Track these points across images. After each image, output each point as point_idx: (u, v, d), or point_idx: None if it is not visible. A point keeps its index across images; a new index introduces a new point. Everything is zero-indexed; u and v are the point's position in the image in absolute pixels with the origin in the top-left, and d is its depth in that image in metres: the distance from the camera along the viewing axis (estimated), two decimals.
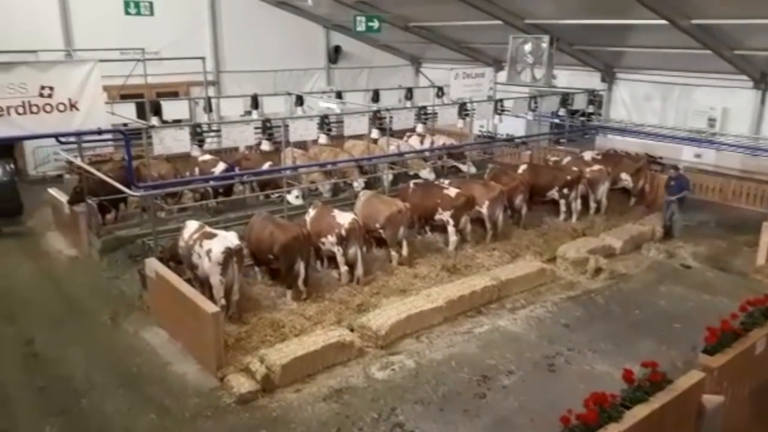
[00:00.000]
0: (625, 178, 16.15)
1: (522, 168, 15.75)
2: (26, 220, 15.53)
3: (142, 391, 8.57)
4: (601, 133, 19.98)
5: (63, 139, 12.25)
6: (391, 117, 14.89)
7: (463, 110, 16.19)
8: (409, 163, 17.38)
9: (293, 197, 14.31)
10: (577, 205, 15.03)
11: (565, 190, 14.92)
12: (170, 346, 9.66)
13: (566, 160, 16.80)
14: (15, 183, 15.35)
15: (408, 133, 19.01)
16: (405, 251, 12.25)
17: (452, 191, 13.26)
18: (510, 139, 19.86)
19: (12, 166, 15.53)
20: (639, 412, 5.88)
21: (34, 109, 10.10)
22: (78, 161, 13.40)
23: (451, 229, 13.01)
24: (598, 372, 9.12)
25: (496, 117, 17.02)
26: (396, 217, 12.10)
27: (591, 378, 8.82)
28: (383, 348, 9.63)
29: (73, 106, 10.51)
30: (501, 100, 17.14)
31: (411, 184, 14.18)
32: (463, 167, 17.85)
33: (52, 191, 14.83)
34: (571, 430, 5.64)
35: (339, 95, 19.36)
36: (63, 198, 13.89)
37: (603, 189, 15.40)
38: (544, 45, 17.93)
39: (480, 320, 10.69)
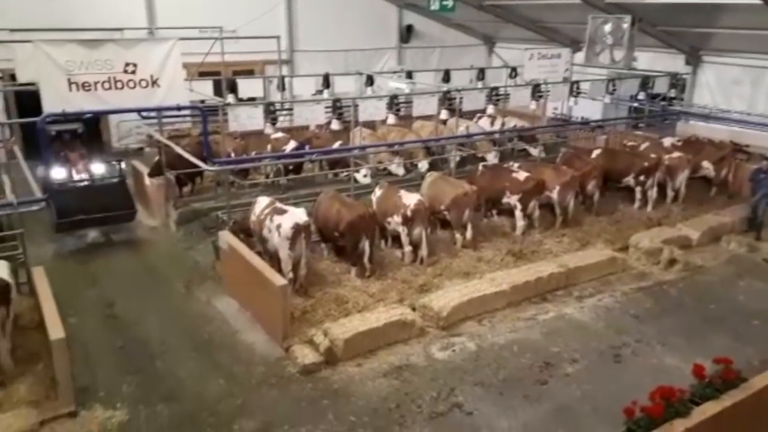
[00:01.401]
0: (707, 167, 15.34)
1: (596, 153, 15.26)
2: None
3: (212, 356, 8.97)
4: (683, 118, 18.99)
5: (144, 114, 12.85)
6: (461, 97, 14.72)
7: (537, 92, 15.79)
8: (478, 145, 17.16)
9: (362, 176, 14.44)
10: (653, 193, 14.44)
11: (642, 177, 14.35)
12: (240, 315, 10.03)
13: (644, 145, 16.12)
14: (126, 185, 13.36)
15: (478, 114, 18.76)
16: (470, 234, 12.17)
17: (522, 175, 13.02)
18: (585, 123, 19.24)
19: (123, 165, 13.71)
20: (708, 409, 5.68)
21: (119, 84, 10.61)
22: (158, 135, 13.99)
23: (518, 213, 12.81)
24: (666, 365, 8.83)
25: (572, 99, 16.55)
26: (462, 199, 12.02)
27: (658, 371, 8.55)
28: (444, 329, 9.66)
29: (154, 82, 10.97)
30: (577, 82, 16.61)
31: (479, 166, 14.02)
32: (534, 150, 17.46)
33: (135, 163, 15.55)
34: (635, 422, 5.52)
35: (409, 75, 19.30)
36: (144, 170, 14.55)
37: (682, 177, 14.70)
38: (626, 25, 17.16)
39: (545, 307, 10.53)
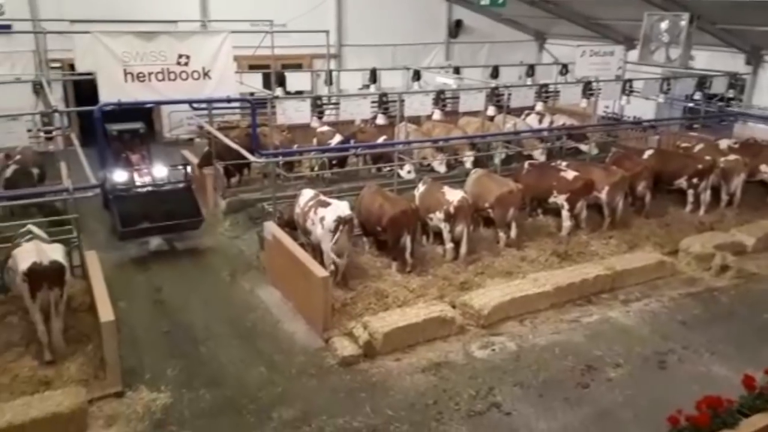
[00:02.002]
0: (765, 171, 14.73)
1: (648, 153, 14.83)
2: None
3: (254, 344, 9.13)
4: (740, 120, 18.27)
5: (195, 105, 13.15)
6: (509, 94, 14.53)
7: (588, 89, 15.46)
8: (525, 143, 16.91)
9: (405, 172, 14.43)
10: (706, 196, 13.94)
11: (695, 180, 13.88)
12: (282, 305, 10.18)
13: (698, 147, 15.58)
14: (192, 191, 12.52)
15: (526, 111, 18.49)
16: (514, 233, 12.01)
17: (570, 174, 12.77)
18: (637, 122, 18.74)
19: (189, 169, 12.95)
20: (758, 421, 5.48)
21: (172, 76, 10.87)
22: (208, 126, 14.29)
23: (565, 213, 12.57)
24: (714, 374, 8.54)
25: (624, 98, 16.12)
26: (506, 197, 11.87)
27: (705, 380, 8.29)
28: (485, 328, 9.57)
29: (206, 74, 11.21)
30: (630, 81, 16.17)
31: (526, 164, 13.82)
32: (584, 149, 17.12)
33: (185, 153, 15.92)
34: (680, 431, 5.35)
35: (457, 70, 19.16)
36: (194, 160, 14.89)
37: (738, 181, 14.15)
38: (683, 23, 16.59)
39: (589, 309, 10.32)
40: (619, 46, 17.59)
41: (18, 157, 13.06)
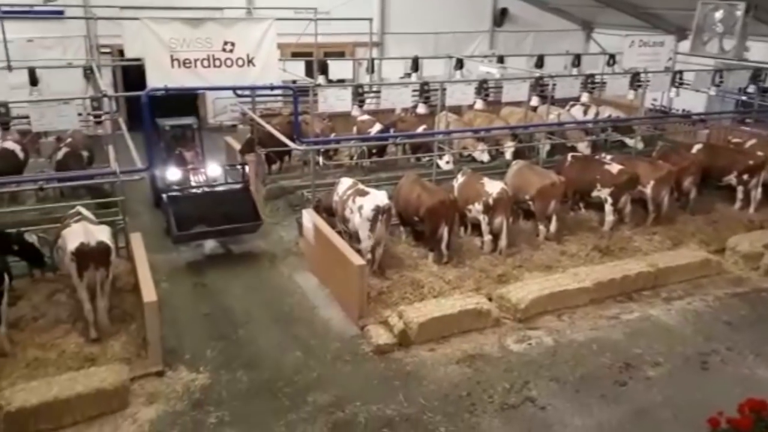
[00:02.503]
0: None
1: (697, 148, 14.37)
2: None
3: (291, 329, 9.27)
4: None
5: (239, 92, 13.29)
6: (554, 84, 14.25)
7: (636, 81, 15.03)
8: (569, 135, 16.59)
9: (444, 162, 14.34)
10: (757, 193, 13.44)
11: (746, 176, 13.39)
12: (319, 291, 10.30)
13: (750, 142, 15.03)
14: (251, 192, 11.90)
15: (571, 102, 18.12)
16: (554, 226, 11.83)
17: (614, 167, 12.48)
18: (686, 116, 18.14)
19: (247, 169, 12.27)
20: None
21: (217, 62, 10.99)
22: (251, 113, 14.47)
23: (608, 207, 12.30)
24: (758, 377, 8.29)
25: (673, 90, 15.62)
26: (548, 189, 11.69)
27: (749, 382, 8.04)
28: (521, 321, 9.49)
29: (250, 61, 11.29)
30: (680, 72, 15.66)
31: (569, 156, 13.57)
32: (629, 142, 16.68)
33: (228, 139, 16.16)
34: None
35: (501, 60, 18.88)
36: (236, 146, 15.10)
37: None
38: (739, 13, 15.91)
39: (629, 306, 10.11)
40: (670, 36, 17.01)
41: (69, 140, 13.48)
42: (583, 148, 16.11)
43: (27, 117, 10.66)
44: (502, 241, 11.12)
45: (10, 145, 13.04)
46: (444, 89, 13.07)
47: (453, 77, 16.81)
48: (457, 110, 16.90)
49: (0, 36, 13.49)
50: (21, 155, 13.19)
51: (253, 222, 11.45)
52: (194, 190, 11.74)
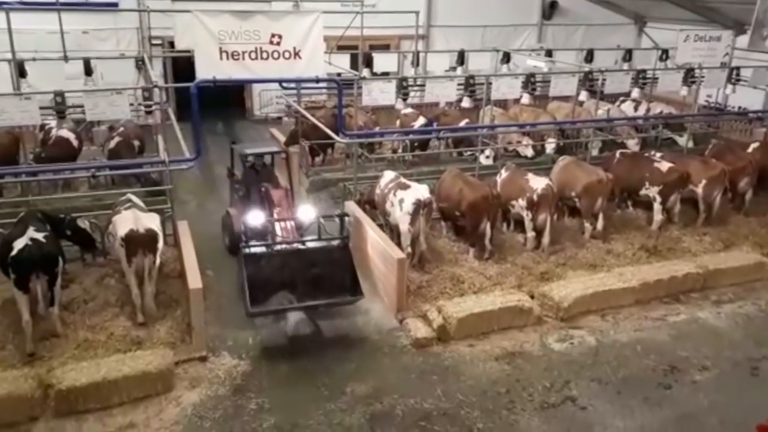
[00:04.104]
0: None
1: (753, 147, 13.83)
2: None
3: (331, 320, 9.31)
4: None
5: (285, 85, 13.45)
6: (604, 79, 13.93)
7: (690, 77, 14.55)
8: (618, 131, 16.18)
9: (483, 157, 14.18)
10: None
11: None
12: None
13: None
14: (350, 252, 9.16)
15: (621, 98, 17.67)
16: (600, 224, 11.58)
17: (664, 165, 12.12)
18: (743, 113, 17.46)
19: (349, 218, 9.73)
20: None
21: (264, 55, 11.11)
22: (296, 106, 14.61)
23: (657, 206, 11.96)
24: None
25: (729, 87, 15.06)
26: (595, 186, 11.44)
27: None
28: (563, 320, 9.35)
29: (296, 54, 11.38)
30: (737, 68, 15.08)
31: (617, 153, 13.25)
32: (681, 140, 16.17)
33: (273, 131, 16.39)
34: None
35: (549, 53, 18.54)
36: (281, 138, 15.29)
37: None
38: None
39: (676, 308, 9.84)
40: (727, 31, 16.37)
41: (121, 129, 13.87)
42: (633, 145, 15.69)
43: (81, 106, 11.01)
44: (546, 238, 10.95)
45: (65, 133, 13.50)
46: (490, 83, 12.92)
47: (499, 71, 16.62)
48: (502, 104, 16.69)
49: (57, 27, 13.92)
50: (75, 143, 13.63)
51: (350, 296, 8.90)
52: (280, 247, 8.96)
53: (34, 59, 13.67)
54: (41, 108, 10.65)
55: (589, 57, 17.89)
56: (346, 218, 9.23)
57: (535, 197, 10.86)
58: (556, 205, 11.19)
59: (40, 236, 8.18)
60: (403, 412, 7.45)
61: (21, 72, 13.14)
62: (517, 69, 16.76)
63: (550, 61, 17.33)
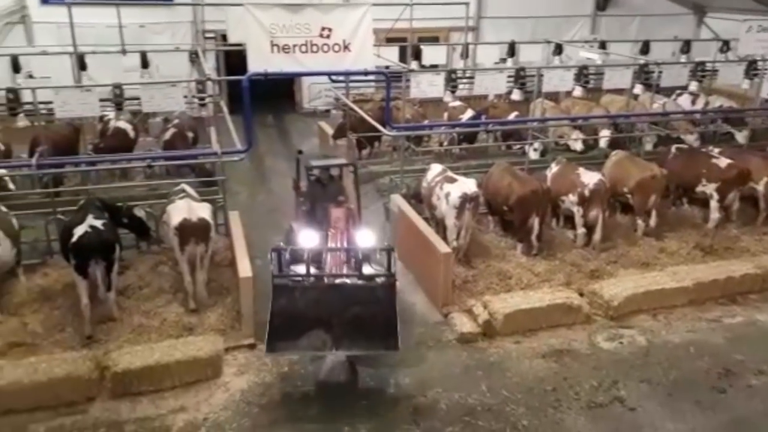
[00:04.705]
0: None
1: None
2: (297, 146, 17.60)
3: None
4: None
5: (334, 78, 13.52)
6: (660, 72, 13.49)
7: (752, 69, 13.96)
8: (675, 125, 15.67)
9: (531, 150, 13.95)
10: None
11: None
12: (403, 276, 10.29)
13: None
14: (394, 293, 7.74)
15: (678, 91, 17.09)
16: (653, 221, 11.26)
17: (723, 161, 11.67)
18: None
19: (393, 257, 7.86)
20: None
21: (314, 48, 11.22)
22: (344, 99, 14.69)
23: (714, 204, 11.54)
24: None
25: None
26: (649, 182, 11.12)
27: None
28: (613, 319, 9.16)
29: (346, 47, 11.45)
30: None
31: (673, 148, 12.83)
32: (738, 136, 15.53)
33: (322, 124, 16.53)
34: None
35: (603, 45, 18.08)
36: (329, 131, 15.41)
37: None
38: None
39: (733, 310, 9.51)
40: None
41: (176, 121, 14.22)
42: (690, 140, 15.17)
43: (138, 98, 11.37)
44: (597, 235, 10.72)
45: (122, 124, 13.94)
46: (541, 75, 12.70)
47: (551, 63, 16.31)
48: (554, 97, 16.38)
49: (116, 22, 14.37)
50: (132, 134, 14.06)
51: (384, 346, 7.48)
52: (323, 283, 7.73)
53: (94, 52, 14.16)
54: (100, 100, 11.05)
55: (645, 48, 17.39)
56: (392, 252, 7.76)
57: (586, 192, 10.63)
58: (608, 201, 10.93)
59: (98, 224, 8.50)
60: (447, 406, 7.45)
61: (82, 65, 13.65)
62: (569, 61, 16.45)
63: (603, 53, 16.90)
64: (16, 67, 15.07)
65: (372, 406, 7.42)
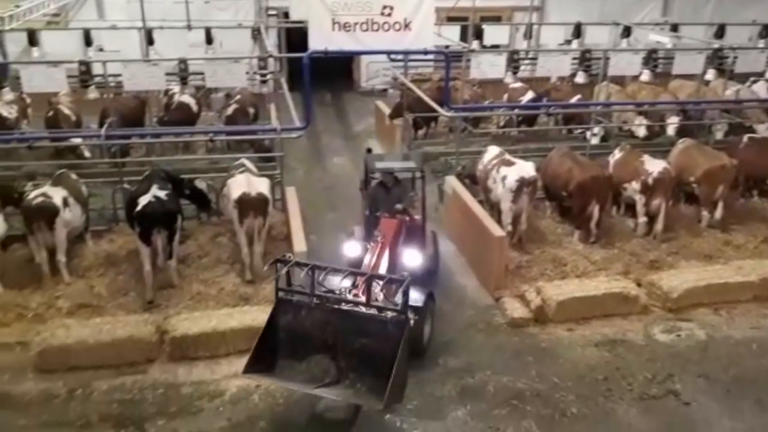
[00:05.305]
0: None
1: None
2: (353, 125, 17.70)
3: None
4: None
5: (393, 56, 13.46)
6: (735, 57, 12.84)
7: None
8: (748, 114, 14.91)
9: (590, 135, 13.54)
10: None
11: None
12: (455, 258, 10.32)
13: None
14: (404, 333, 6.41)
15: (753, 78, 16.22)
16: (719, 213, 10.80)
17: None
18: None
19: (415, 294, 7.09)
20: None
21: (375, 26, 11.17)
22: (402, 78, 14.62)
23: None
24: None
25: None
26: (717, 172, 10.66)
27: None
28: (671, 311, 8.88)
29: (406, 25, 11.35)
30: None
31: (745, 137, 12.24)
32: None
33: (379, 103, 16.52)
34: None
35: (674, 28, 17.32)
36: (386, 110, 15.39)
37: None
38: None
39: None
40: None
41: (238, 97, 14.51)
42: (763, 129, 14.41)
43: (202, 73, 11.64)
44: (659, 225, 10.38)
45: (186, 98, 14.32)
46: (607, 58, 12.30)
47: (618, 45, 15.75)
48: (619, 81, 15.84)
49: None
50: (195, 109, 14.44)
51: (377, 398, 6.21)
52: (321, 298, 6.77)
53: (161, 27, 14.56)
54: (166, 74, 11.37)
55: (720, 32, 16.56)
56: (408, 284, 6.40)
57: (650, 181, 10.29)
58: (672, 190, 10.54)
59: (162, 194, 8.80)
60: (494, 389, 7.43)
61: (149, 40, 14.07)
62: (637, 44, 15.83)
63: (675, 36, 16.19)
64: (88, 41, 15.69)
65: (419, 384, 7.44)
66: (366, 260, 7.57)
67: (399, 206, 8.39)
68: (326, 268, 6.79)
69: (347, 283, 6.89)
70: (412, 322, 6.84)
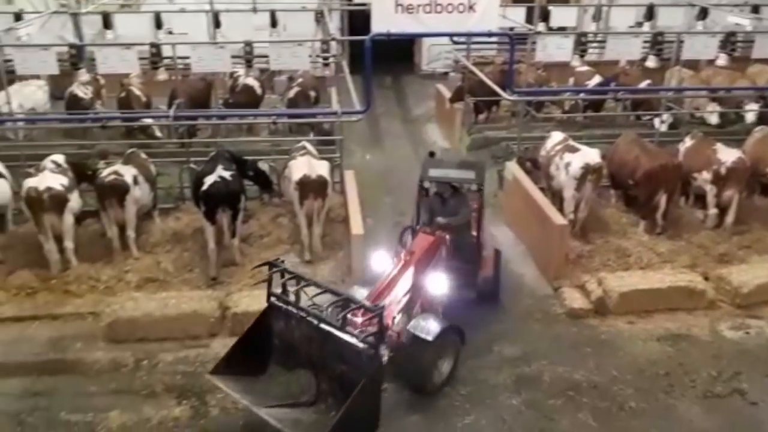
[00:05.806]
0: None
1: None
2: (413, 109, 17.59)
3: None
4: None
5: (455, 39, 13.26)
6: None
7: None
8: None
9: (658, 122, 12.99)
10: None
11: None
12: (514, 246, 10.17)
13: None
14: (379, 373, 6.11)
15: None
16: None
17: None
18: None
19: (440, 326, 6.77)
20: None
21: (438, 8, 11.04)
22: (464, 61, 14.41)
23: None
24: None
25: None
26: None
27: None
28: (741, 307, 8.52)
29: (470, 7, 11.16)
30: None
31: None
32: None
33: (439, 86, 16.36)
34: None
35: (755, 9, 16.36)
36: (446, 94, 15.23)
37: None
38: None
39: None
40: None
41: (300, 80, 14.68)
42: None
43: (266, 56, 11.80)
44: (730, 217, 9.94)
45: (250, 81, 14.59)
46: (681, 41, 11.74)
47: (693, 28, 15.02)
48: (693, 65, 15.12)
49: None
50: (259, 91, 14.69)
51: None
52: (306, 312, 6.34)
53: (227, 11, 14.84)
54: (232, 57, 11.60)
55: None
56: (380, 315, 5.91)
57: (723, 171, 9.83)
58: (746, 181, 10.04)
59: (227, 174, 9.05)
60: (550, 379, 7.33)
61: (216, 23, 14.37)
62: (714, 26, 15.03)
63: (756, 18, 15.29)
64: (158, 24, 16.19)
65: (472, 372, 7.42)
66: (381, 277, 6.95)
67: (441, 220, 7.56)
68: (307, 281, 6.40)
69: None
70: (385, 357, 6.13)
